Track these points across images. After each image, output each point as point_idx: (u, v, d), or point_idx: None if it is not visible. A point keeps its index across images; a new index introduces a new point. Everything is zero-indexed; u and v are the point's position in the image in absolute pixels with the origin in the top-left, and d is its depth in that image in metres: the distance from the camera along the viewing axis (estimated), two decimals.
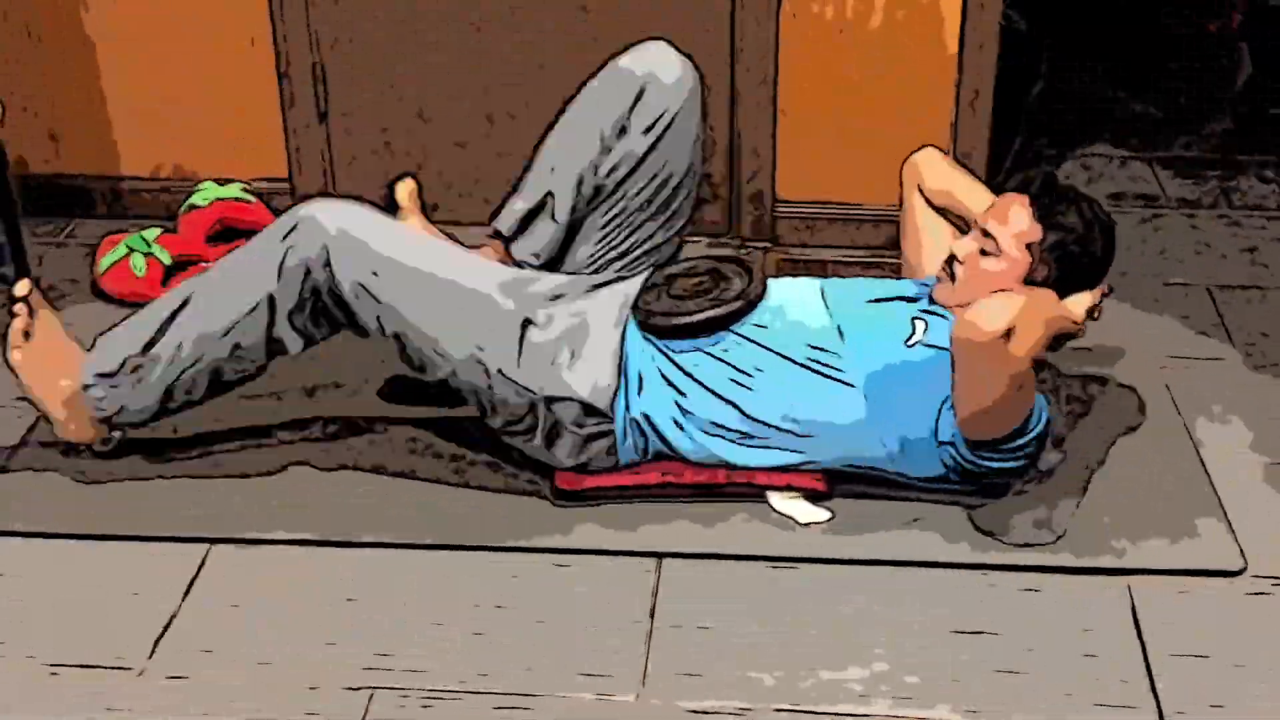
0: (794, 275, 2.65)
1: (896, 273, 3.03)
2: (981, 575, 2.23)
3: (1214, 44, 4.42)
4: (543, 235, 2.52)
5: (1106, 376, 2.68)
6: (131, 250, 2.95)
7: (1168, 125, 3.89)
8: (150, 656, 2.08)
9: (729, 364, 2.35)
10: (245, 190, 3.14)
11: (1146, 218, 3.31)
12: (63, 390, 2.38)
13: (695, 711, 1.99)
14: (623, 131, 2.49)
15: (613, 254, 2.57)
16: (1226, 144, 3.82)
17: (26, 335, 2.38)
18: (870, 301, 2.41)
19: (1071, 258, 2.33)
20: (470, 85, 3.19)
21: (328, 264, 2.29)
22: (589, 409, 2.33)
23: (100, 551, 2.29)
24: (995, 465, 2.28)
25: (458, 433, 2.55)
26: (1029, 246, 2.33)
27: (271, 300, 2.32)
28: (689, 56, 2.57)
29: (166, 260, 2.94)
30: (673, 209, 2.57)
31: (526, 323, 2.34)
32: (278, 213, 3.15)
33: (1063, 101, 3.97)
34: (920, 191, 2.62)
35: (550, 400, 2.32)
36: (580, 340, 2.38)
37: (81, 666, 2.07)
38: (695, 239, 3.25)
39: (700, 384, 2.35)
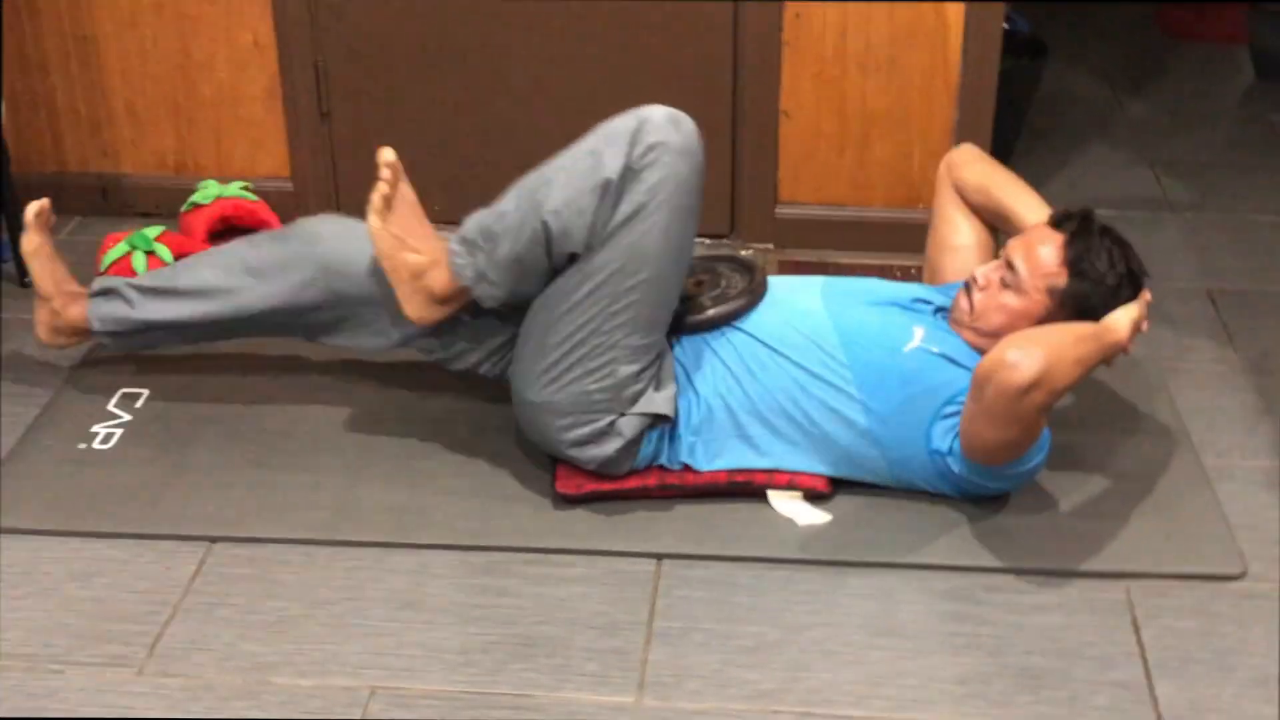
0: (795, 275, 2.65)
1: (900, 275, 3.03)
2: (981, 577, 2.23)
3: (1214, 47, 4.42)
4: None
5: (1106, 379, 2.69)
6: (133, 248, 2.95)
7: (1169, 129, 3.89)
8: (150, 655, 2.09)
9: (728, 360, 2.35)
10: (247, 189, 3.14)
11: (1147, 221, 3.31)
12: (411, 264, 2.32)
13: (695, 713, 1.99)
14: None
15: None
16: (1227, 147, 3.83)
17: (388, 205, 2.34)
18: (870, 303, 2.41)
19: (1093, 307, 2.28)
20: (472, 84, 3.19)
21: (638, 177, 2.20)
22: (655, 421, 2.32)
23: (101, 549, 2.29)
24: (987, 485, 2.28)
25: (458, 432, 2.55)
26: (1049, 290, 2.30)
27: (607, 184, 2.21)
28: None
29: (168, 258, 2.94)
30: None
31: (662, 352, 2.32)
32: (280, 211, 3.18)
33: (1063, 104, 3.98)
34: (957, 191, 2.58)
35: (623, 414, 2.30)
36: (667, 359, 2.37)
37: (82, 665, 2.07)
38: (696, 240, 3.25)
39: (699, 382, 2.35)
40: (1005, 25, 3.06)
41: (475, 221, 2.32)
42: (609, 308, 2.25)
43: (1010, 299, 2.32)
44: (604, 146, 2.23)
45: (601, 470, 2.35)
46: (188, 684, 2.04)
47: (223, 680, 2.04)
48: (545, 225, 2.23)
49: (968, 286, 2.37)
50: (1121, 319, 2.26)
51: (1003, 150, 3.32)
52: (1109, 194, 3.45)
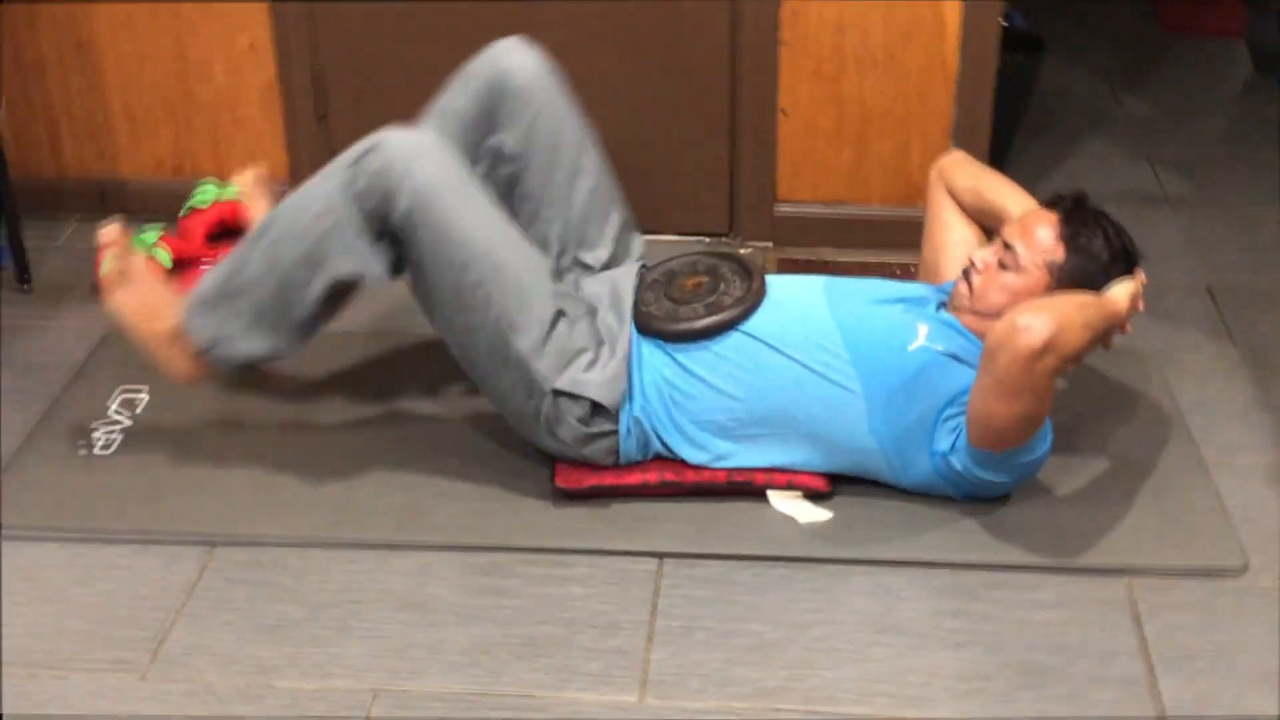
0: (797, 275, 2.65)
1: (900, 273, 3.03)
2: (982, 574, 2.23)
3: (1212, 42, 4.42)
4: None
5: (1106, 373, 2.69)
6: None
7: (1167, 124, 3.89)
8: (153, 658, 2.09)
9: (730, 361, 2.35)
10: None
11: (1145, 216, 3.31)
12: (161, 331, 2.38)
13: (697, 711, 1.99)
14: (489, 133, 2.53)
15: (556, 255, 2.56)
16: (1225, 142, 3.82)
17: (125, 278, 2.39)
18: (873, 303, 2.41)
19: (1089, 285, 2.30)
20: None
21: (391, 199, 2.27)
22: (596, 409, 2.33)
23: (103, 552, 2.29)
24: (992, 481, 2.28)
25: (458, 432, 2.55)
26: (1048, 266, 2.31)
27: (339, 224, 2.29)
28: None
29: (167, 261, 2.94)
30: (583, 198, 2.56)
31: (559, 315, 2.34)
32: None
33: (1061, 100, 3.98)
34: (949, 194, 2.60)
35: (558, 394, 2.32)
36: (599, 341, 2.38)
37: (84, 668, 2.07)
38: (696, 238, 3.26)
39: (700, 381, 2.35)
40: (1002, 22, 3.06)
41: (206, 284, 2.37)
42: (471, 315, 2.30)
43: (1010, 278, 2.33)
44: (333, 186, 2.30)
45: (588, 460, 2.36)
46: (190, 687, 2.04)
47: (225, 683, 2.04)
48: (295, 274, 2.32)
49: (966, 272, 2.38)
50: (1119, 292, 2.29)
51: (1001, 147, 3.32)
52: (1107, 189, 3.45)
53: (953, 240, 2.58)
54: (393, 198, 2.27)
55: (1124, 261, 2.34)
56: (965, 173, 2.61)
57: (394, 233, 2.30)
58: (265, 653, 2.10)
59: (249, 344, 2.39)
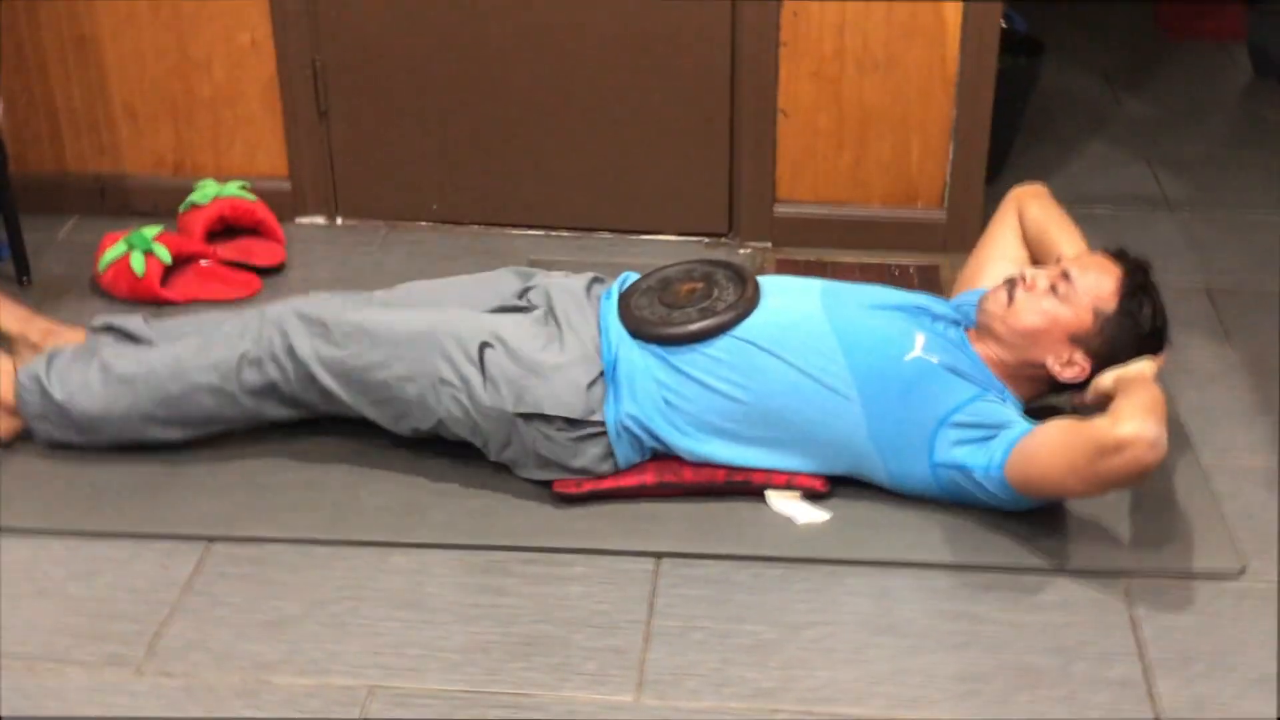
0: (793, 275, 2.64)
1: (898, 274, 3.03)
2: (980, 575, 2.23)
3: (1213, 45, 4.42)
4: None
5: None
6: (131, 248, 2.95)
7: (1167, 127, 3.89)
8: (149, 654, 2.09)
9: (725, 364, 2.34)
10: (245, 188, 3.14)
11: (1145, 219, 3.31)
12: None
13: (694, 711, 1.99)
14: None
15: None
16: (1225, 145, 3.83)
17: None
18: (870, 309, 2.40)
19: (1120, 348, 2.31)
20: (471, 84, 3.19)
21: (290, 352, 2.38)
22: (568, 420, 2.33)
23: (100, 548, 2.29)
24: (1007, 504, 2.28)
25: None
26: (1096, 312, 2.32)
27: (221, 389, 2.41)
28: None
29: (166, 258, 2.94)
30: None
31: (484, 347, 2.35)
32: (278, 211, 3.18)
33: (1061, 103, 3.98)
34: (1018, 217, 2.62)
35: (526, 417, 2.32)
36: (547, 353, 2.37)
37: (80, 664, 2.07)
38: (695, 238, 3.26)
39: (697, 382, 2.35)
40: (1002, 23, 3.06)
41: (54, 377, 2.45)
42: (416, 408, 2.37)
43: (1052, 305, 2.33)
44: (215, 354, 2.42)
45: (592, 469, 2.36)
46: (186, 683, 2.04)
47: (221, 680, 2.04)
48: (154, 414, 2.43)
49: (1011, 282, 2.38)
50: (1150, 373, 2.28)
51: (1001, 149, 3.32)
52: (1107, 191, 3.45)
53: (1001, 255, 2.60)
54: (294, 359, 2.39)
55: (1156, 340, 2.36)
56: (1040, 205, 2.62)
57: (292, 390, 2.42)
58: (262, 649, 2.10)
59: (66, 436, 2.48)
